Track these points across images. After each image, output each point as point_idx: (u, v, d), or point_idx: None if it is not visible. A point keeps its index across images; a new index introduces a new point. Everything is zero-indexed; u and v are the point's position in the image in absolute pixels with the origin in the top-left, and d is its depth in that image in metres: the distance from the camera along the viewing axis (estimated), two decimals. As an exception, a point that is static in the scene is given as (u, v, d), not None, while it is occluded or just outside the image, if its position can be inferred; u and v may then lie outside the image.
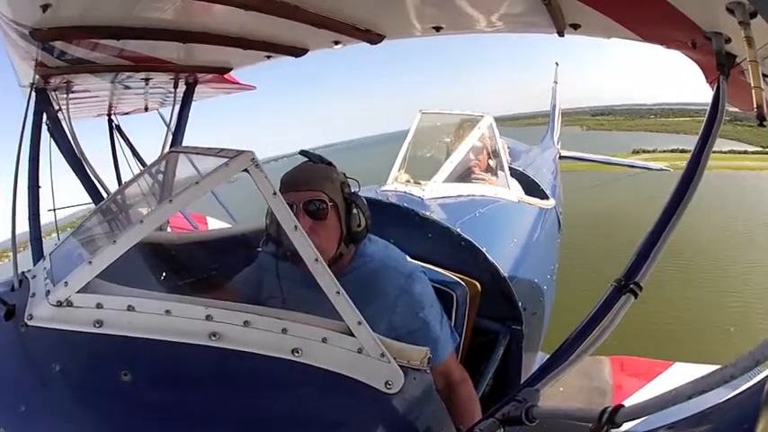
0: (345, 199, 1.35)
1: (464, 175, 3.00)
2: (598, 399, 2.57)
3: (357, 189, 1.41)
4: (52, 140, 2.58)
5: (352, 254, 1.37)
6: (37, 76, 2.18)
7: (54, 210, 2.94)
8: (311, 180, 1.32)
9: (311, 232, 1.24)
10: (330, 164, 1.40)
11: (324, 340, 0.97)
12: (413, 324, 1.32)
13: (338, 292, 0.98)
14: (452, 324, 1.65)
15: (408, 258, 1.43)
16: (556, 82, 9.07)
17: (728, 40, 1.20)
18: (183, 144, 3.11)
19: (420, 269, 1.39)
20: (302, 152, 1.42)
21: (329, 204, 1.30)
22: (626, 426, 0.77)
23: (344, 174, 1.40)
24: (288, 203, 1.24)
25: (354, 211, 1.34)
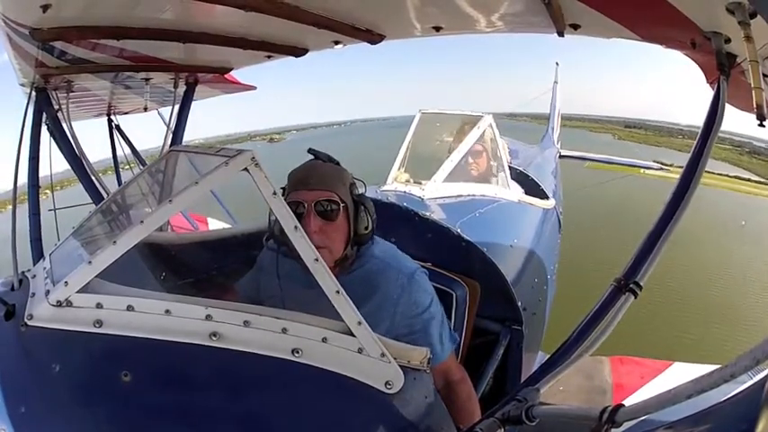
0: (354, 201, 1.34)
1: (464, 175, 3.00)
2: (598, 398, 2.57)
3: (364, 190, 1.39)
4: (52, 140, 2.59)
5: (355, 254, 1.37)
6: (37, 76, 2.18)
7: (54, 210, 2.95)
8: (323, 180, 1.30)
9: (320, 232, 1.24)
10: (338, 163, 1.39)
11: (324, 340, 0.97)
12: (414, 324, 1.32)
13: (338, 292, 0.98)
14: (452, 324, 1.65)
15: (410, 258, 1.43)
16: (556, 82, 9.08)
17: (728, 40, 1.20)
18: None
19: (422, 269, 1.39)
20: (311, 151, 1.39)
21: (340, 206, 1.29)
22: (626, 425, 0.77)
23: (352, 174, 1.39)
24: (298, 202, 1.24)
25: (362, 213, 1.33)
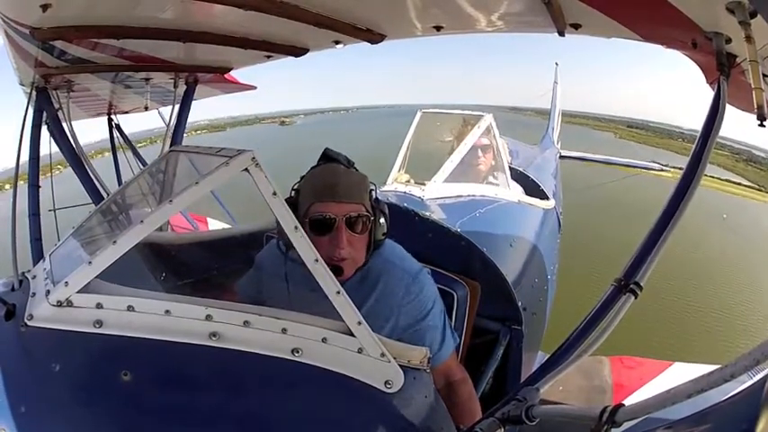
0: (373, 207, 1.32)
1: (464, 175, 3.01)
2: (598, 398, 2.57)
3: (376, 193, 1.37)
4: (52, 140, 2.59)
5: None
6: (37, 76, 2.18)
7: (54, 210, 2.95)
8: (351, 191, 1.26)
9: (349, 245, 1.23)
10: (356, 167, 1.35)
11: (324, 340, 0.97)
12: (417, 323, 1.32)
13: (338, 292, 0.98)
14: (452, 324, 1.65)
15: (415, 259, 1.43)
16: (556, 82, 9.08)
17: (729, 40, 1.20)
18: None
19: (426, 270, 1.39)
20: (327, 152, 1.34)
21: (370, 218, 1.28)
22: (626, 425, 0.77)
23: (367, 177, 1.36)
24: (327, 214, 1.22)
25: (381, 220, 1.32)
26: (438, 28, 1.80)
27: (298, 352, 0.95)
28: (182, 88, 3.10)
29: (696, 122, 1.26)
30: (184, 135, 3.22)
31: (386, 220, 1.34)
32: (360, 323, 0.98)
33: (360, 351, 0.98)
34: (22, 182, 2.10)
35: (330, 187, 1.25)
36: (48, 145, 2.61)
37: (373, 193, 1.34)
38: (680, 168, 1.31)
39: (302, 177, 1.32)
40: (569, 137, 8.48)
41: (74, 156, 2.62)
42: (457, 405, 1.27)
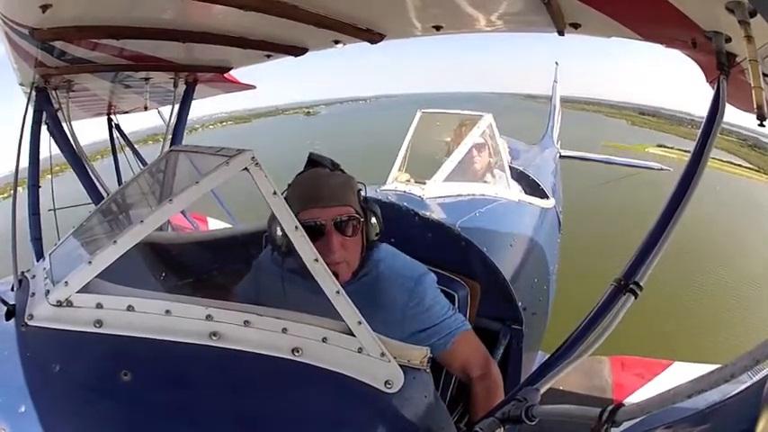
0: (363, 208, 1.31)
1: (464, 175, 3.00)
2: (598, 398, 2.57)
3: (365, 193, 1.37)
4: (52, 140, 2.59)
5: (363, 259, 1.36)
6: (37, 76, 2.18)
7: (54, 210, 2.96)
8: (336, 194, 1.24)
9: (342, 248, 1.23)
10: (342, 169, 1.35)
11: (324, 340, 0.97)
12: (425, 323, 1.32)
13: (338, 292, 0.98)
14: None
15: (416, 261, 1.42)
16: (556, 81, 9.06)
17: (729, 40, 1.19)
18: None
19: (428, 272, 1.39)
20: (312, 156, 1.34)
21: (359, 220, 1.27)
22: (626, 425, 0.77)
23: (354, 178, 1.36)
24: (315, 220, 1.22)
25: (373, 220, 1.31)
26: (437, 27, 1.80)
27: (298, 351, 0.95)
28: (181, 88, 3.10)
29: (704, 109, 1.27)
30: (210, 126, 3.22)
31: (378, 219, 1.33)
32: (360, 323, 0.98)
33: (360, 351, 0.98)
34: (21, 188, 2.10)
35: (314, 191, 1.24)
36: (48, 145, 2.61)
37: (362, 193, 1.33)
38: (686, 151, 1.31)
39: (289, 185, 1.31)
40: (583, 124, 8.54)
41: (74, 156, 2.62)
42: (472, 404, 1.30)
